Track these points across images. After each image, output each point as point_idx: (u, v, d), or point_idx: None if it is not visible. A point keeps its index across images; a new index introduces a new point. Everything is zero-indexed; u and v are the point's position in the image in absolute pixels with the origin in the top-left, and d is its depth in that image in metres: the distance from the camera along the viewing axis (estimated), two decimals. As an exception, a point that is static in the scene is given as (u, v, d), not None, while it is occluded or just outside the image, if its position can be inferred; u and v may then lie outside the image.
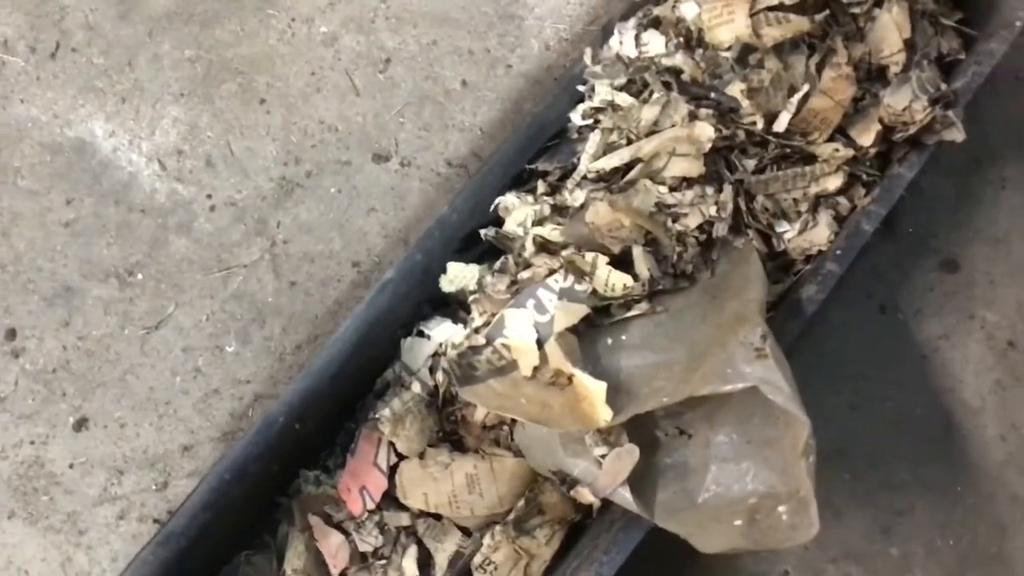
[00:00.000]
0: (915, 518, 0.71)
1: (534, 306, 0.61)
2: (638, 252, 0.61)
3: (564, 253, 0.62)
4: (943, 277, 0.75)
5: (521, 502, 0.63)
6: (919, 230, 0.76)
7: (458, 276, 0.64)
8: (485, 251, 0.67)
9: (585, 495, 0.58)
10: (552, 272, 0.62)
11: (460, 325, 0.66)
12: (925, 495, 0.72)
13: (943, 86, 0.65)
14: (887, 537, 0.71)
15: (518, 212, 0.65)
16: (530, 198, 0.65)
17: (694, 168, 0.62)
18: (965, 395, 0.73)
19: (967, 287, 0.75)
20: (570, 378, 0.59)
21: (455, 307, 0.68)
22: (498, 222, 0.67)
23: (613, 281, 0.61)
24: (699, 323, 0.60)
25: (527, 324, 0.60)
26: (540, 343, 0.60)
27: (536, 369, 0.60)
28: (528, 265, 0.63)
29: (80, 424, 0.68)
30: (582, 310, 0.60)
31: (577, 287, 0.61)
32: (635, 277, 0.61)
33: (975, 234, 0.76)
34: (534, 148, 0.68)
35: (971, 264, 0.75)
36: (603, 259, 0.61)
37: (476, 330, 0.62)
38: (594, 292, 0.61)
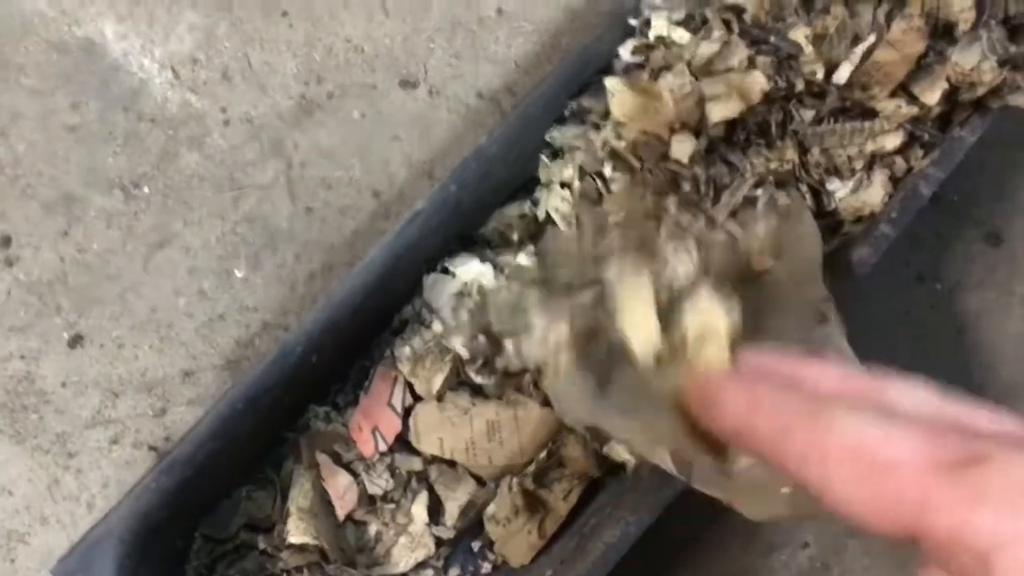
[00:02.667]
0: (941, 496, 0.69)
1: None
2: None
3: None
4: (985, 250, 0.73)
5: (543, 454, 0.60)
6: (963, 200, 0.73)
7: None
8: (520, 189, 0.64)
9: (620, 453, 0.55)
10: None
11: (488, 264, 0.63)
12: (952, 474, 0.69)
13: (1012, 48, 0.62)
14: (911, 514, 0.69)
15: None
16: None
17: (735, 108, 0.58)
18: (1002, 374, 0.71)
19: (1009, 262, 0.72)
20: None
21: (482, 246, 0.65)
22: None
23: None
24: (750, 285, 0.56)
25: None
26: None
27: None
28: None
29: (75, 341, 0.64)
30: None
31: None
32: None
33: (1020, 208, 0.73)
34: (577, 83, 0.64)
35: (1014, 239, 0.73)
36: None
37: None
38: None
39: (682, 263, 0.48)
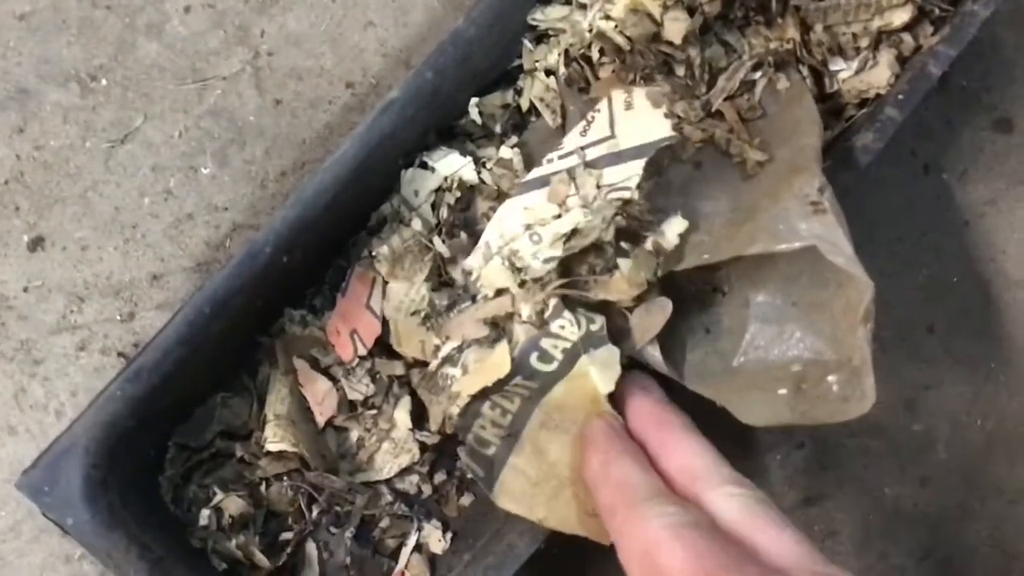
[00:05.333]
0: (942, 394, 0.67)
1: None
2: None
3: None
4: (994, 137, 0.69)
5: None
6: (973, 84, 0.69)
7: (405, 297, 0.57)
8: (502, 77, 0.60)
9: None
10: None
11: (468, 158, 0.59)
12: (955, 370, 0.67)
13: (1031, -85, 0.57)
14: (911, 412, 0.67)
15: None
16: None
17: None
18: (1007, 266, 0.68)
19: (1020, 149, 0.69)
20: None
21: (462, 138, 0.61)
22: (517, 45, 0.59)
23: None
24: (743, 174, 0.53)
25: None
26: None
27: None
28: None
29: (35, 243, 0.61)
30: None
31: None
32: None
33: (1033, 92, 0.69)
34: (563, -40, 0.59)
35: (1025, 125, 0.69)
36: None
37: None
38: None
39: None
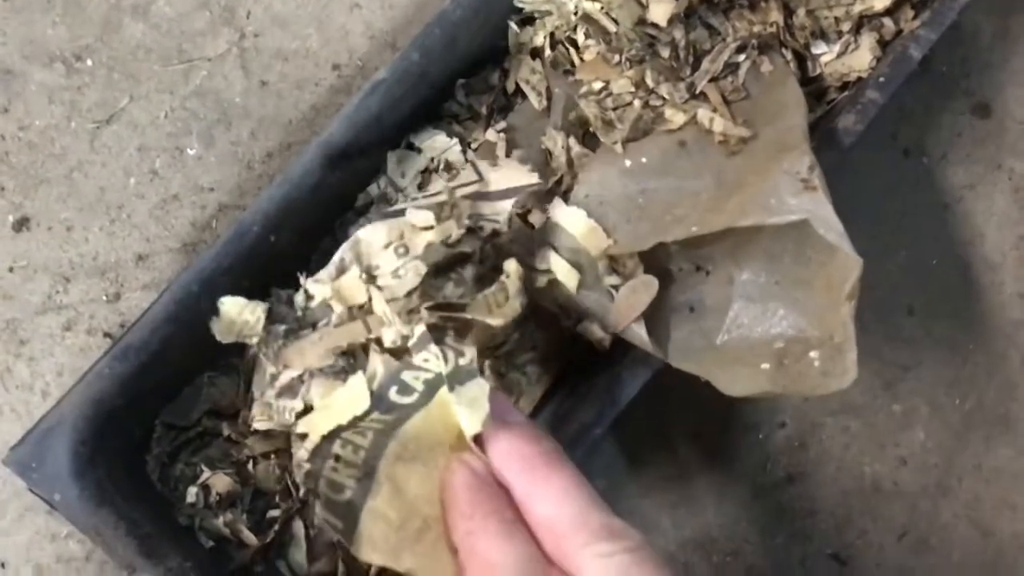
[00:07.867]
0: (921, 375, 0.68)
1: None
2: None
3: None
4: (973, 122, 0.70)
5: (516, 335, 0.58)
6: (952, 70, 0.70)
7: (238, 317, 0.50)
8: (488, 59, 0.60)
9: (595, 331, 0.53)
10: None
11: (455, 140, 0.59)
12: (933, 351, 0.68)
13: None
14: (890, 393, 0.68)
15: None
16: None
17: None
18: (985, 249, 0.69)
19: (998, 134, 0.70)
20: None
21: (448, 119, 0.61)
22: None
23: None
24: (727, 152, 0.54)
25: None
26: None
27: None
28: None
29: (21, 224, 0.61)
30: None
31: None
32: None
33: (1010, 77, 0.70)
34: (548, -59, 0.59)
35: (1003, 110, 0.70)
36: None
37: None
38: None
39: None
